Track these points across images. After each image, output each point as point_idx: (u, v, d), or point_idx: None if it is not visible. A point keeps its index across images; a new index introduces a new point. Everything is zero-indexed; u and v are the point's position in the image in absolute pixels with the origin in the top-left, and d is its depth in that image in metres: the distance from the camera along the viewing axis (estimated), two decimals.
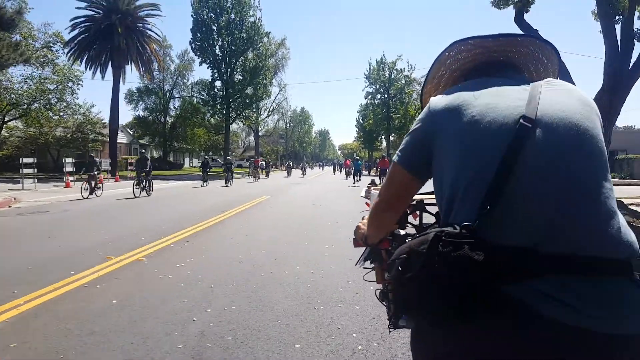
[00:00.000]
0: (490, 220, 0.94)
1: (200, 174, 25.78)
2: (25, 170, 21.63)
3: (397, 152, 1.22)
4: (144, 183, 16.94)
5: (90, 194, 15.77)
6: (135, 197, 15.63)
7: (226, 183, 25.42)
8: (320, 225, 9.07)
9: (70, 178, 24.11)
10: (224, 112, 42.52)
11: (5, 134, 39.55)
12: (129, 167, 33.26)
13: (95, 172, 16.08)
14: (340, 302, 4.09)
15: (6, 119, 36.46)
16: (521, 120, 1.00)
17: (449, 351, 0.98)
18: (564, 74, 11.39)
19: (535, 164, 0.97)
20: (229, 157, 30.09)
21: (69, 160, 25.32)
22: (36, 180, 22.31)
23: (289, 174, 40.73)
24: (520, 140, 0.98)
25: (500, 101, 1.06)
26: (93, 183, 15.90)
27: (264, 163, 40.03)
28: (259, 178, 31.85)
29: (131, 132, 56.29)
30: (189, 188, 22.31)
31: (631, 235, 0.98)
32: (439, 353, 1.01)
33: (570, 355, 0.88)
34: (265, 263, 5.61)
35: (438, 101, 1.16)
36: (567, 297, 0.89)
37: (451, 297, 0.91)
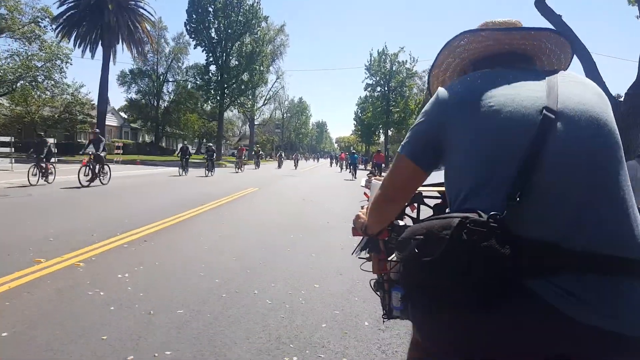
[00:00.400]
0: (516, 212, 0.91)
1: (179, 161, 22.84)
2: (3, 150, 20.38)
3: (403, 143, 1.18)
4: (97, 170, 13.71)
5: (44, 177, 13.58)
6: (82, 186, 12.75)
7: (207, 173, 22.56)
8: (308, 226, 7.89)
9: (51, 159, 22.79)
10: (218, 98, 41.04)
11: None
12: (115, 151, 31.73)
13: (44, 156, 13.57)
14: (322, 348, 2.91)
15: None
16: (544, 112, 0.98)
17: (456, 339, 0.96)
18: (592, 69, 10.24)
19: (560, 157, 0.96)
20: (210, 144, 27.55)
21: (50, 140, 24.03)
22: (13, 160, 21.01)
23: (279, 165, 38.78)
24: (545, 132, 0.96)
25: (517, 92, 1.04)
26: (43, 166, 13.57)
27: (254, 153, 37.64)
28: (243, 168, 28.99)
29: (126, 116, 54.68)
30: (165, 177, 19.86)
31: None
32: (444, 340, 0.99)
33: (582, 353, 0.89)
34: (232, 277, 4.43)
35: (448, 91, 1.13)
36: (586, 296, 0.88)
37: (468, 287, 0.88)
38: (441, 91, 1.14)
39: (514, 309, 0.89)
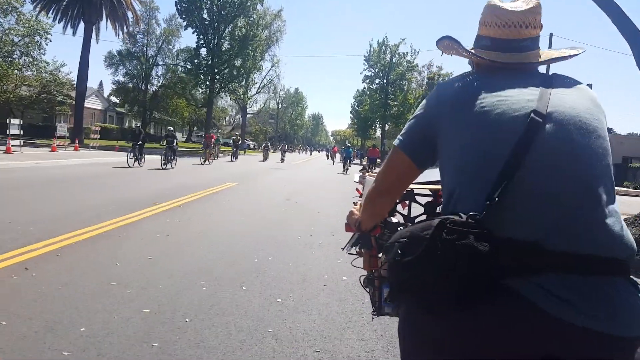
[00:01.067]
0: (497, 212, 0.93)
1: (130, 147, 17.47)
2: None
3: (399, 136, 1.19)
4: None
5: None
6: None
7: (164, 164, 17.47)
8: (285, 241, 5.90)
9: (15, 142, 20.52)
10: (208, 83, 38.74)
11: None
12: (92, 135, 29.40)
13: None
14: None
15: None
16: (532, 115, 1.00)
17: (441, 338, 0.96)
18: None
19: (544, 159, 0.97)
20: (171, 127, 21.85)
21: (15, 121, 21.65)
22: None
23: (265, 157, 34.50)
24: (531, 135, 0.98)
25: (511, 94, 1.06)
26: None
27: (232, 141, 32.53)
28: (211, 160, 24.01)
29: (117, 100, 52.06)
30: (108, 168, 15.37)
31: (630, 236, 0.98)
32: (429, 339, 0.99)
33: (566, 353, 0.89)
34: (122, 355, 2.45)
35: (446, 88, 1.15)
36: (568, 295, 0.89)
37: (451, 285, 0.89)
38: (440, 88, 1.16)
39: (494, 308, 0.89)
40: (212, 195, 10.22)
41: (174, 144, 18.28)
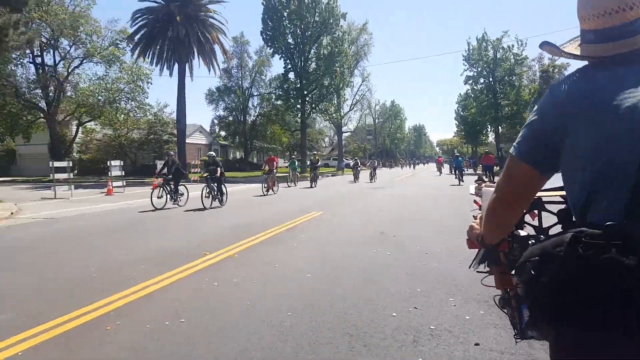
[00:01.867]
0: (636, 218, 0.84)
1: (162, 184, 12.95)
2: (59, 175, 18.63)
3: (515, 143, 1.10)
4: None
5: None
6: None
7: (206, 202, 12.61)
8: (367, 333, 3.37)
9: (118, 184, 20.88)
10: (298, 106, 37.93)
11: (86, 138, 39.34)
12: (192, 170, 29.82)
13: None
14: None
15: (82, 120, 35.70)
16: None
17: None
18: None
19: None
20: (211, 152, 15.51)
21: (115, 163, 22.12)
22: (73, 187, 19.36)
23: (356, 177, 28.61)
24: None
25: (635, 89, 0.95)
26: None
27: (309, 163, 27.42)
28: (277, 189, 18.85)
29: (224, 134, 54.46)
30: (133, 214, 11.34)
31: None
32: None
33: None
34: None
35: (561, 89, 1.05)
36: None
37: (597, 306, 0.80)
38: (554, 90, 1.07)
39: None
40: (277, 237, 7.94)
41: (218, 174, 13.03)
